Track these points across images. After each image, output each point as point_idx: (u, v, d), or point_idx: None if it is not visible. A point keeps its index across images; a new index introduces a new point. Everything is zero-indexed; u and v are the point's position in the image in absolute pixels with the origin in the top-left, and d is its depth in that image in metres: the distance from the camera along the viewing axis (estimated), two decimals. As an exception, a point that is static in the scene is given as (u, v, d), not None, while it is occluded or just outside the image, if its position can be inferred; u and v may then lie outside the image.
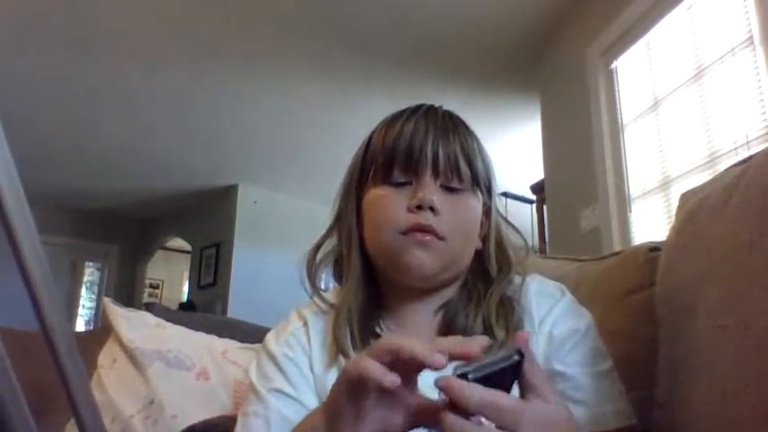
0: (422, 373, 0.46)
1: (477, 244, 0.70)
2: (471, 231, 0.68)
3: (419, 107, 0.70)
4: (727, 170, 0.67)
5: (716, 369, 0.55)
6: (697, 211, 0.66)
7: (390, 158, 0.66)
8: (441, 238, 0.64)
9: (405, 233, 0.64)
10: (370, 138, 0.71)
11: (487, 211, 0.71)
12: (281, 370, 0.66)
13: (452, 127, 0.67)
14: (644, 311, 0.74)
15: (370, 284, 0.70)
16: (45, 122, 4.29)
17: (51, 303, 0.26)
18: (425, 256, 0.64)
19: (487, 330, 0.64)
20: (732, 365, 0.52)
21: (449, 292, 0.70)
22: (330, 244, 0.74)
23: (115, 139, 4.61)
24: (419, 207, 0.63)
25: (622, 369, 0.73)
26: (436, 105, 0.71)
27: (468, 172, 0.66)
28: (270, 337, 0.72)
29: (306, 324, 0.70)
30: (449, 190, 0.66)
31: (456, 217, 0.65)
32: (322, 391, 0.65)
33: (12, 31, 3.13)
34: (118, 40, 3.27)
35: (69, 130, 4.44)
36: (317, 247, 0.73)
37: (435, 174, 0.65)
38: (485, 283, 0.68)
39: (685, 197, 0.73)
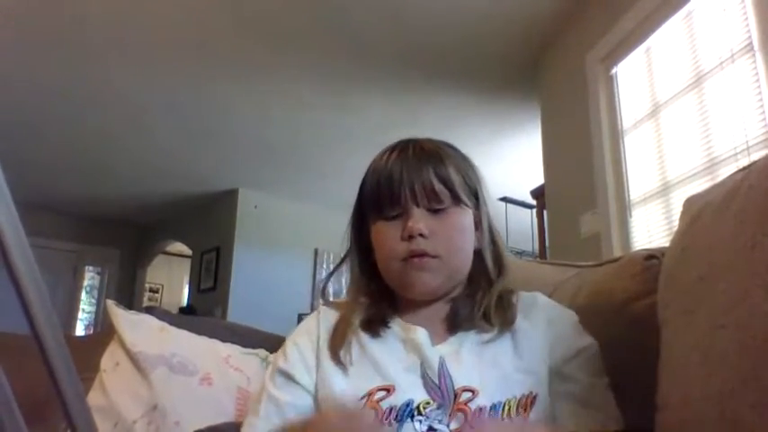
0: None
1: (476, 247, 0.78)
2: (462, 242, 0.76)
3: (395, 147, 0.80)
4: (730, 176, 0.67)
5: (716, 369, 0.55)
6: (700, 214, 0.67)
7: (379, 199, 0.77)
8: (435, 257, 0.73)
9: (404, 260, 0.74)
10: (364, 179, 0.81)
11: (479, 219, 0.79)
12: (284, 353, 0.77)
13: (424, 159, 0.76)
14: (642, 321, 0.74)
15: (385, 296, 0.80)
16: (47, 128, 4.29)
17: (42, 306, 0.25)
18: (426, 276, 0.74)
19: (486, 318, 0.74)
20: (732, 365, 0.53)
21: (455, 293, 0.79)
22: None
23: (116, 144, 4.62)
24: (410, 236, 0.73)
25: (622, 377, 0.74)
26: (411, 140, 0.80)
27: (447, 192, 0.75)
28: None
29: (319, 314, 0.81)
30: (434, 211, 0.75)
31: (445, 234, 0.74)
32: (322, 374, 0.74)
33: (14, 38, 3.14)
34: (120, 47, 3.28)
35: (71, 135, 4.45)
36: (330, 275, 0.84)
37: (416, 202, 0.74)
38: (487, 281, 0.78)
39: (689, 202, 0.73)
